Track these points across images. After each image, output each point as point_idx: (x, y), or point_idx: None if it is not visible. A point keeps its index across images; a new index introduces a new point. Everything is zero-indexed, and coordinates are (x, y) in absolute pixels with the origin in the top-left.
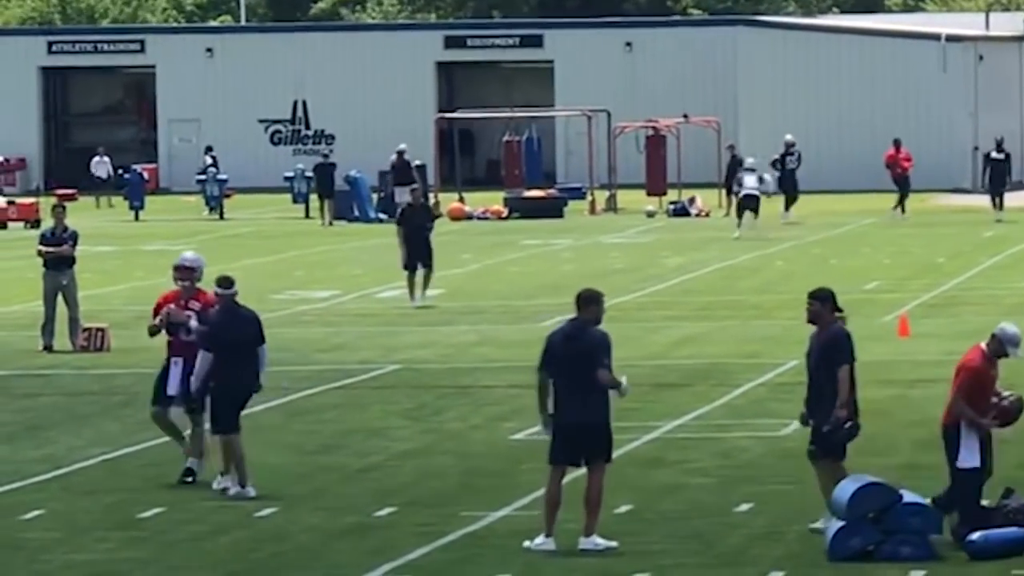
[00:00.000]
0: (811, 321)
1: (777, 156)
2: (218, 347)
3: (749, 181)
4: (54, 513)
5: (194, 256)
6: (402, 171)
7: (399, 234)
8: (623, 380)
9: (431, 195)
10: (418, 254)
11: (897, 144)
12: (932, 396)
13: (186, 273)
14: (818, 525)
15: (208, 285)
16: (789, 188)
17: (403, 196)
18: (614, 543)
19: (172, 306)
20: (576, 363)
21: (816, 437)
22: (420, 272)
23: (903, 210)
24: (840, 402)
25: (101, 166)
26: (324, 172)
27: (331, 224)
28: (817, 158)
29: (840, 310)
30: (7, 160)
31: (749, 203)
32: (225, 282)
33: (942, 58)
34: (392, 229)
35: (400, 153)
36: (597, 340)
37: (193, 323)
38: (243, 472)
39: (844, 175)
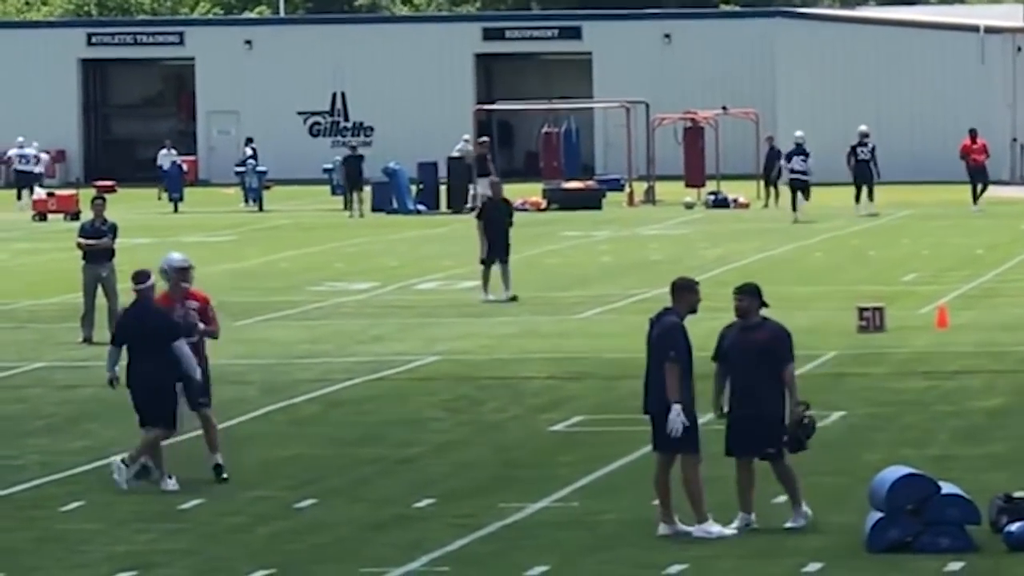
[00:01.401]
0: (740, 316)
1: (850, 147)
2: (127, 341)
3: (796, 163)
4: (93, 504)
5: (184, 255)
6: (481, 163)
7: (478, 227)
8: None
9: (470, 187)
10: (497, 249)
11: (973, 134)
12: (969, 388)
13: (186, 274)
14: (736, 525)
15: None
16: (864, 179)
17: (483, 188)
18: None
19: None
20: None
21: (767, 433)
22: (496, 267)
23: (975, 201)
24: (795, 400)
25: (167, 159)
26: (353, 164)
27: (362, 216)
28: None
29: (766, 305)
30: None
31: (797, 185)
32: (141, 276)
33: (980, 50)
34: (432, 220)
35: (481, 144)
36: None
37: (202, 325)
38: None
39: (882, 167)
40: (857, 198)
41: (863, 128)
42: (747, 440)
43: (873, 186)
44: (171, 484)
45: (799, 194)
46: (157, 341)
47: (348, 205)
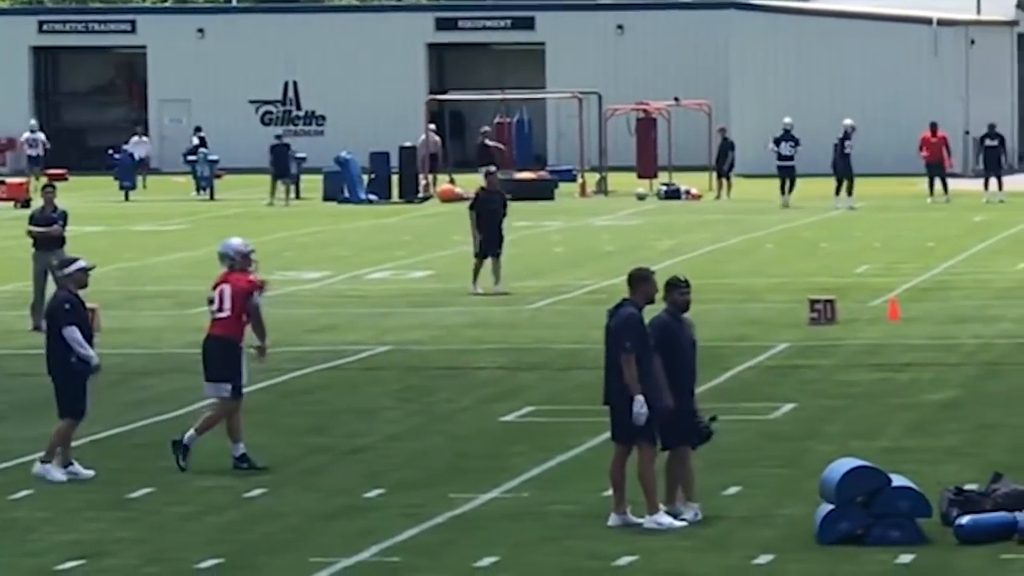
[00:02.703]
0: (684, 309)
1: (837, 139)
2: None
3: (784, 149)
4: (43, 493)
5: (244, 240)
6: (483, 153)
7: (471, 219)
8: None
9: (421, 177)
10: (491, 242)
11: (933, 127)
12: (921, 380)
13: (248, 258)
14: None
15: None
16: (845, 173)
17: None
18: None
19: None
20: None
21: (693, 422)
22: (488, 261)
23: (931, 192)
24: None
25: (140, 146)
26: (279, 153)
27: (286, 205)
28: (807, 141)
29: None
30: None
31: (785, 172)
32: (66, 262)
33: (933, 42)
34: (383, 210)
35: (483, 134)
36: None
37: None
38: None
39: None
40: (837, 191)
41: (848, 121)
42: (687, 432)
43: (853, 180)
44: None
45: (787, 181)
46: (52, 328)
47: (272, 193)
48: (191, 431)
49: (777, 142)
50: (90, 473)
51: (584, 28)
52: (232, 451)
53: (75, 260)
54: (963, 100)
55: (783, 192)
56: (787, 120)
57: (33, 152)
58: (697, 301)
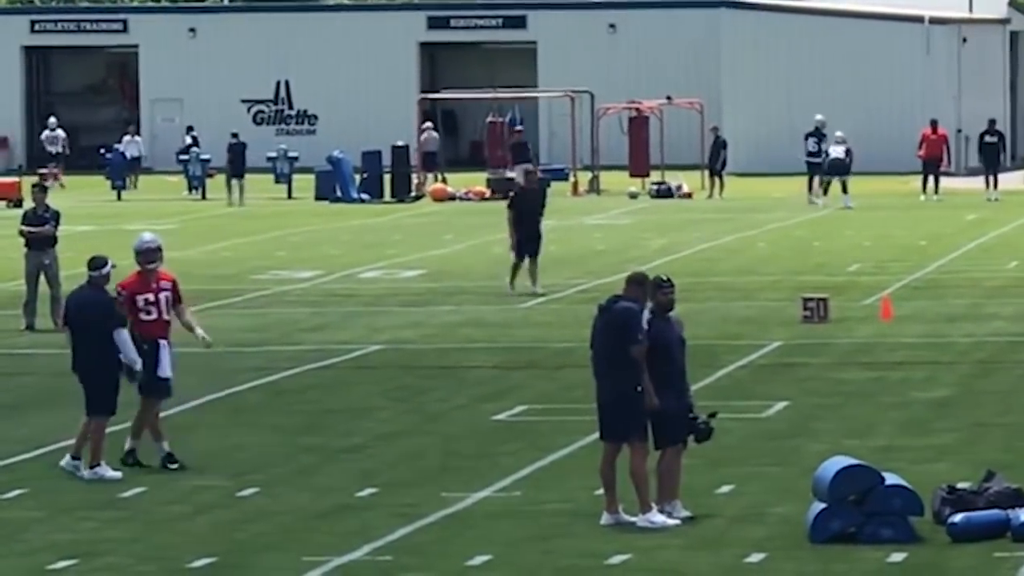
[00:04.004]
0: (668, 309)
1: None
2: (71, 326)
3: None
4: (36, 492)
5: (154, 235)
6: (518, 150)
7: (509, 218)
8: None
9: (414, 176)
10: (529, 243)
11: (934, 124)
12: (913, 379)
13: (156, 254)
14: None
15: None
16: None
17: (519, 176)
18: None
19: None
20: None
21: (686, 421)
22: (526, 261)
23: (924, 191)
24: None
25: (132, 145)
26: (236, 151)
27: (242, 204)
28: (799, 140)
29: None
30: None
31: (817, 168)
32: (97, 262)
33: (925, 41)
34: (375, 209)
35: (518, 131)
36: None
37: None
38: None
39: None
40: (810, 187)
41: (839, 134)
42: (679, 431)
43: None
44: (89, 474)
45: (818, 179)
46: (95, 329)
47: (229, 192)
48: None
49: (807, 138)
50: (87, 475)
51: (576, 27)
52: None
53: (106, 260)
54: (955, 99)
55: (811, 188)
56: (819, 117)
57: (54, 149)
58: (689, 300)
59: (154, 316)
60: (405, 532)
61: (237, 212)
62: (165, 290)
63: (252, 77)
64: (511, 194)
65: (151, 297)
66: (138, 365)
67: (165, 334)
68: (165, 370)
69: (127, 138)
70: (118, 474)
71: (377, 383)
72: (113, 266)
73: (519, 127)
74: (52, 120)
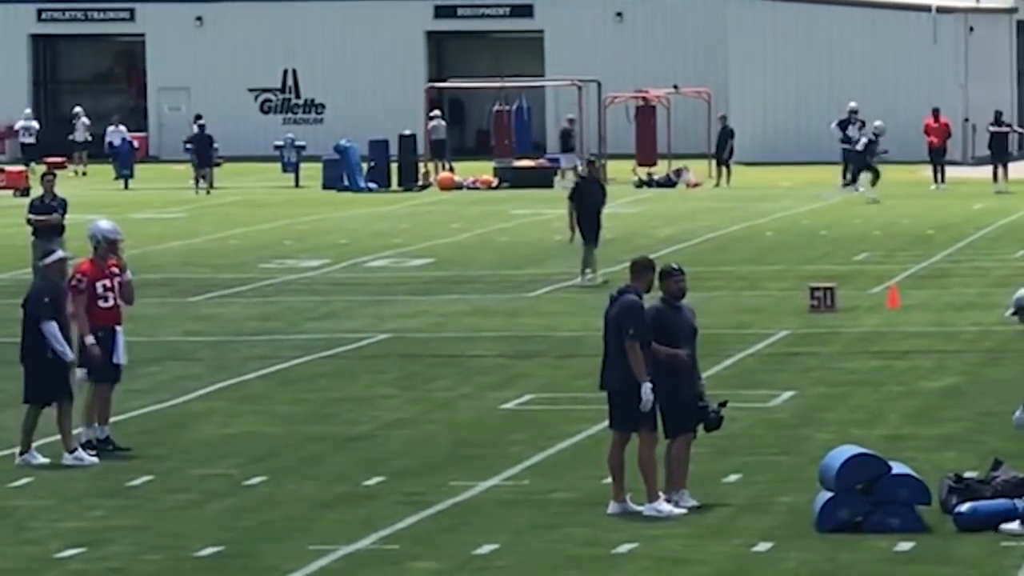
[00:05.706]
0: (680, 297)
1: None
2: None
3: (851, 132)
4: (43, 480)
5: (114, 224)
6: (566, 138)
7: (570, 210)
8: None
9: (421, 165)
10: (590, 233)
11: (936, 113)
12: (920, 367)
13: (117, 245)
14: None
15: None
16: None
17: (567, 163)
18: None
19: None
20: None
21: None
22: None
23: (935, 180)
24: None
25: (117, 135)
26: (202, 140)
27: (208, 192)
28: (807, 129)
29: None
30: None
31: (849, 157)
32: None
33: (932, 29)
34: (382, 198)
35: (571, 120)
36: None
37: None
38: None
39: (834, 146)
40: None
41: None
42: (688, 420)
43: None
44: (39, 459)
45: (851, 166)
46: (30, 316)
47: (196, 181)
48: (95, 426)
49: (843, 126)
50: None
51: (583, 16)
52: (98, 433)
53: (54, 251)
54: (962, 88)
55: (845, 176)
56: (852, 104)
57: (28, 140)
58: (697, 289)
59: (111, 303)
60: (412, 521)
61: (243, 201)
62: (116, 276)
63: (259, 66)
64: (573, 184)
65: (108, 283)
66: (69, 357)
67: (120, 320)
68: (120, 357)
69: (111, 128)
70: (95, 459)
71: (384, 372)
72: (71, 257)
73: (570, 116)
74: (28, 111)
